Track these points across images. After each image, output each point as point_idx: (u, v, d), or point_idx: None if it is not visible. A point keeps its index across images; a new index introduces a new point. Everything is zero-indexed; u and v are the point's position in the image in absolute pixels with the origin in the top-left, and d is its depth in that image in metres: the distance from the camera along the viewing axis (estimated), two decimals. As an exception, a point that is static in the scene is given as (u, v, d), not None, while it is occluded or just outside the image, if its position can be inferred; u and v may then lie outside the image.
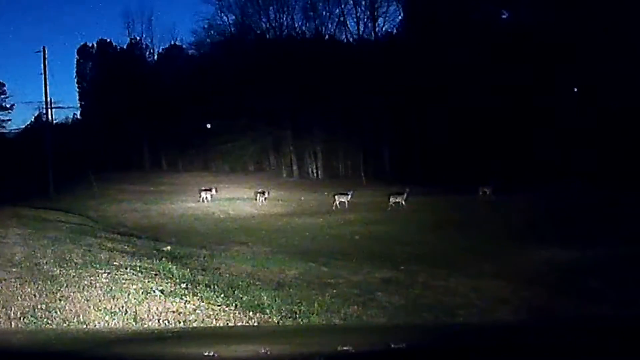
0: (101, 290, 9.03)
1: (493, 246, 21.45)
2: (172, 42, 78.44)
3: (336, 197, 38.13)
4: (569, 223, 25.72)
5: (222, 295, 9.94)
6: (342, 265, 17.88)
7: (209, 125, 60.77)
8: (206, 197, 40.85)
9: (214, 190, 41.79)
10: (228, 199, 40.66)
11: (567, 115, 44.25)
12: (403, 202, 36.29)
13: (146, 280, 10.22)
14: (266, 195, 40.75)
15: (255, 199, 40.39)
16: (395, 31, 64.85)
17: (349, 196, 37.90)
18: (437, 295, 14.29)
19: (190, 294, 9.54)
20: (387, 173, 55.12)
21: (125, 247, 16.25)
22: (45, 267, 10.83)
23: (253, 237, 25.13)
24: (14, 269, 10.74)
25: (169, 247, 18.10)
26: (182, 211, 36.05)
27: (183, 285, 10.26)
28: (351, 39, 64.70)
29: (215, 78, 60.83)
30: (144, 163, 71.13)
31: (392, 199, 36.74)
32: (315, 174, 60.81)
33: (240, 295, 10.48)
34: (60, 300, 8.33)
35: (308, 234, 26.67)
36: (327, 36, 65.37)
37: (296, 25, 65.88)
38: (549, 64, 45.16)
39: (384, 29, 65.25)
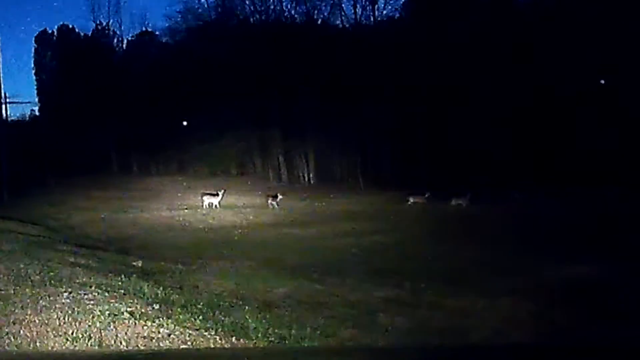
0: (61, 312, 8.94)
1: (508, 260, 21.46)
2: (143, 29, 78.29)
3: (410, 198, 40.24)
4: (597, 234, 25.70)
5: (201, 318, 9.88)
6: (337, 282, 17.84)
7: (185, 123, 60.61)
8: (210, 203, 40.45)
9: (220, 195, 41.18)
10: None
11: (595, 110, 44.26)
12: (464, 205, 38.11)
13: (113, 301, 10.12)
14: (278, 199, 41.37)
15: (268, 204, 40.91)
16: (397, 15, 64.85)
17: (425, 196, 39.76)
18: (447, 316, 14.32)
19: (164, 316, 9.46)
20: (389, 177, 55.04)
21: (90, 262, 16.11)
22: (-3, 285, 10.72)
23: (236, 250, 25.04)
24: (-41, 288, 10.62)
25: (139, 262, 18.01)
26: (155, 220, 35.91)
27: (156, 306, 10.18)
28: (347, 25, 64.70)
29: (192, 69, 60.66)
30: (112, 165, 70.87)
31: (454, 201, 38.77)
32: (306, 178, 60.70)
33: (222, 318, 10.43)
34: (14, 324, 8.24)
35: (298, 246, 26.57)
36: (319, 21, 65.30)
37: (285, 8, 65.77)
38: (571, 49, 45.14)
39: (384, 12, 65.32)
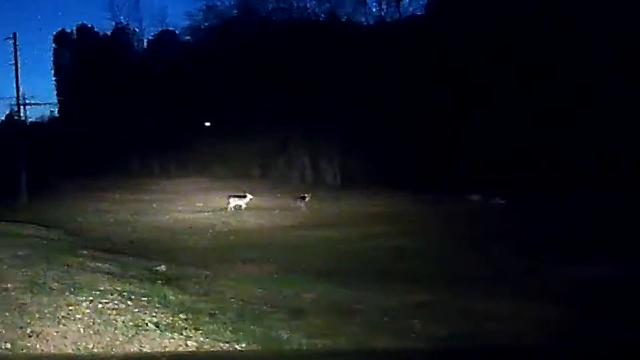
0: (81, 323, 8.54)
1: (529, 262, 21.45)
2: (164, 28, 78.37)
3: (471, 196, 41.35)
4: (608, 234, 25.56)
5: (230, 328, 9.51)
6: (365, 286, 17.62)
7: (208, 124, 60.37)
8: (237, 206, 39.94)
9: (247, 197, 40.62)
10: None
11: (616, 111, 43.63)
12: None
13: (137, 310, 9.73)
14: (306, 199, 41.53)
15: (296, 205, 41.00)
16: (422, 12, 64.47)
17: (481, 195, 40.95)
18: (479, 322, 14.08)
19: (192, 327, 9.06)
20: (414, 178, 54.48)
21: (111, 267, 15.81)
22: (13, 293, 10.35)
23: (261, 253, 24.70)
24: (-26, 297, 10.24)
25: (163, 267, 17.68)
26: (178, 223, 35.65)
27: (182, 316, 9.79)
28: (372, 22, 64.42)
29: (213, 68, 60.50)
30: (132, 167, 70.78)
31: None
32: (332, 179, 60.30)
33: (252, 327, 10.05)
34: (29, 336, 7.85)
35: (324, 249, 26.26)
36: (343, 18, 64.99)
37: (307, 6, 65.55)
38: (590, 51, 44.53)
39: (409, 9, 64.88)
